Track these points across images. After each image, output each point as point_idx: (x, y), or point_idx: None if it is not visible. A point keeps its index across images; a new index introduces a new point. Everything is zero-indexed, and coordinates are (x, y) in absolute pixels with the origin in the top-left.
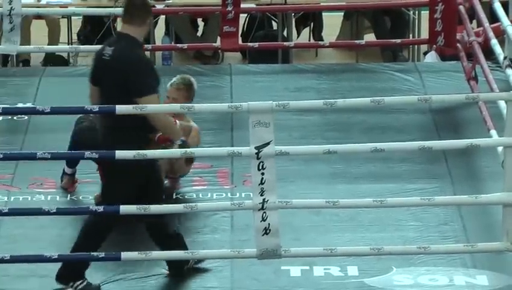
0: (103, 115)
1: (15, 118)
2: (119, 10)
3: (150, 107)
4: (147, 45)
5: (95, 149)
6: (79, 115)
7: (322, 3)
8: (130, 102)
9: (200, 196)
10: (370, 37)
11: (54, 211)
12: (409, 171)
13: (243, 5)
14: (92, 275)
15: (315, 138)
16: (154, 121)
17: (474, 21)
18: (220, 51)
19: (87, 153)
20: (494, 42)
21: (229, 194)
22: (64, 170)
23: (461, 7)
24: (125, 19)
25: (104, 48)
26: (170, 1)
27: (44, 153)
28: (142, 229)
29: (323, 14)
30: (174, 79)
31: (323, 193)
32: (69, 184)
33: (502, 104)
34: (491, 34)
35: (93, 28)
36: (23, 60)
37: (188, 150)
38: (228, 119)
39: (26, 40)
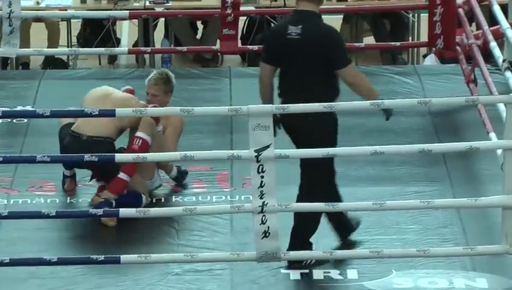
0: (297, 92)
1: (14, 121)
2: (118, 13)
3: (149, 110)
4: (145, 47)
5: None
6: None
7: (321, 6)
8: (328, 75)
9: (200, 198)
10: (369, 40)
11: (54, 214)
12: (408, 174)
13: (242, 8)
14: (90, 277)
15: None
16: (359, 87)
17: (474, 24)
18: (219, 53)
19: (87, 156)
20: (494, 45)
21: (228, 197)
22: (63, 173)
23: (460, 10)
24: None
25: (286, 27)
26: (170, 4)
27: (44, 156)
28: (140, 230)
29: (323, 17)
30: (151, 74)
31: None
32: (71, 186)
33: (501, 106)
34: (490, 36)
35: (93, 31)
36: (23, 63)
37: (188, 153)
38: (228, 122)
39: (25, 43)
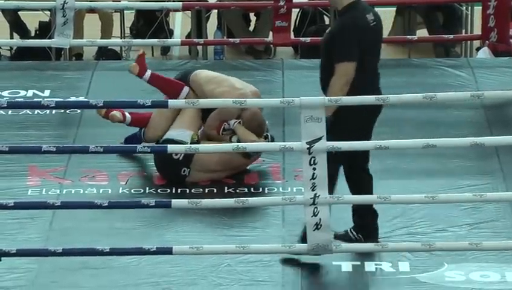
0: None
1: (68, 111)
2: (171, 4)
3: (201, 101)
4: (198, 39)
5: None
6: None
7: None
8: None
9: (252, 190)
10: (422, 33)
11: (106, 204)
12: (460, 167)
13: (295, 0)
14: (142, 267)
15: None
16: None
17: None
18: (272, 45)
19: (139, 147)
20: None
21: (280, 189)
22: None
23: None
24: None
25: (364, 17)
26: None
27: (97, 146)
28: (192, 221)
29: (376, 9)
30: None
31: (375, 189)
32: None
33: None
34: None
35: (146, 22)
36: (76, 54)
37: (240, 144)
38: (280, 114)
39: (79, 33)
